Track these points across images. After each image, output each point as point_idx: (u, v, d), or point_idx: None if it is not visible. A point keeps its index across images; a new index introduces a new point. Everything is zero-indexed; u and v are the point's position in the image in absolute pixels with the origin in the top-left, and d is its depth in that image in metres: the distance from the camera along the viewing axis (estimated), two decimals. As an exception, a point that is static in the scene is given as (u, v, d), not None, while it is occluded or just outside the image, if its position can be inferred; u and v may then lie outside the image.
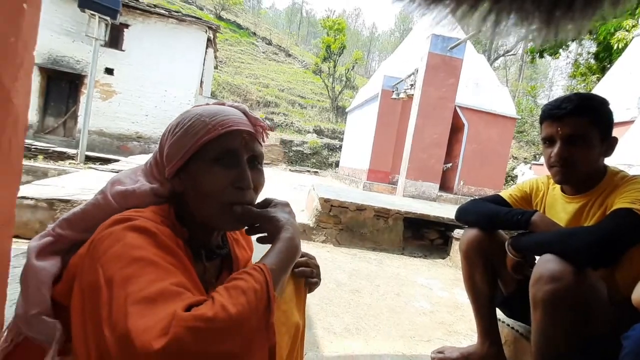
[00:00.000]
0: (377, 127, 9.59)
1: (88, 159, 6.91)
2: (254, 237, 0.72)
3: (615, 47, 8.59)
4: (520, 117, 13.60)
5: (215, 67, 16.48)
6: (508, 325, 1.40)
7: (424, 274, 2.71)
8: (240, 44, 29.22)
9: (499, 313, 1.37)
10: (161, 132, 0.69)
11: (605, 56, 11.05)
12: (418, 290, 2.30)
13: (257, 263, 0.56)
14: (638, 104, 6.78)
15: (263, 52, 30.57)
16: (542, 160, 1.16)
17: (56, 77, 9.49)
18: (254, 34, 32.73)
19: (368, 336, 1.57)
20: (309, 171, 15.57)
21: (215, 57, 14.09)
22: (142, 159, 6.14)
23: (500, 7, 0.43)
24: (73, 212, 0.63)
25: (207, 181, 0.60)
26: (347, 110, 15.17)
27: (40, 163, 5.50)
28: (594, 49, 12.22)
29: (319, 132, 19.46)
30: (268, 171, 11.46)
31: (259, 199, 0.70)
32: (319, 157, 17.06)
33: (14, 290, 0.59)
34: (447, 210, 3.79)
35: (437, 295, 2.26)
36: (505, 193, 1.31)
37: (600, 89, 7.78)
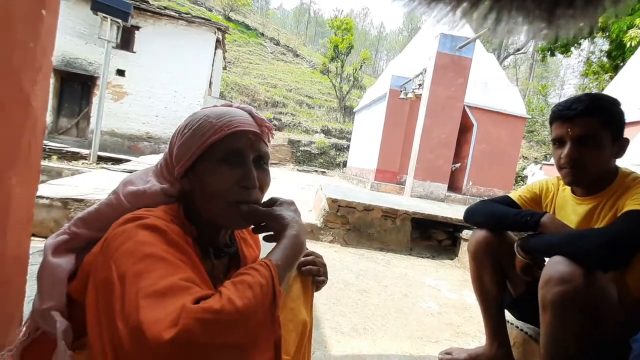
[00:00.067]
0: (384, 127, 9.55)
1: (100, 159, 7.04)
2: (260, 236, 0.74)
3: (628, 45, 8.39)
4: (530, 117, 13.41)
5: (224, 68, 16.60)
6: (517, 327, 1.39)
7: (431, 275, 2.70)
8: (249, 45, 29.39)
9: (508, 315, 1.36)
10: (171, 133, 0.71)
11: (618, 54, 10.82)
12: (426, 291, 2.29)
13: (263, 259, 0.58)
14: (651, 103, 6.63)
15: (271, 53, 30.69)
16: (553, 160, 1.15)
17: (69, 78, 9.69)
18: (262, 34, 32.89)
19: (375, 336, 1.57)
20: (316, 171, 15.58)
21: (224, 58, 14.21)
22: (153, 159, 6.22)
23: (501, 5, 0.43)
24: (88, 212, 0.65)
25: (213, 181, 0.62)
26: (354, 110, 15.14)
27: (54, 163, 5.62)
28: (606, 46, 11.97)
29: (326, 132, 19.46)
30: (276, 171, 11.48)
31: (265, 198, 0.71)
32: (327, 157, 17.06)
33: (33, 287, 0.61)
34: (455, 211, 3.76)
35: (445, 297, 2.25)
36: (515, 194, 1.30)
37: (612, 88, 7.63)
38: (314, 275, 0.76)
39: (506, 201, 1.27)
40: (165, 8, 10.59)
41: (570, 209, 1.15)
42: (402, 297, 2.11)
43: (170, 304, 0.45)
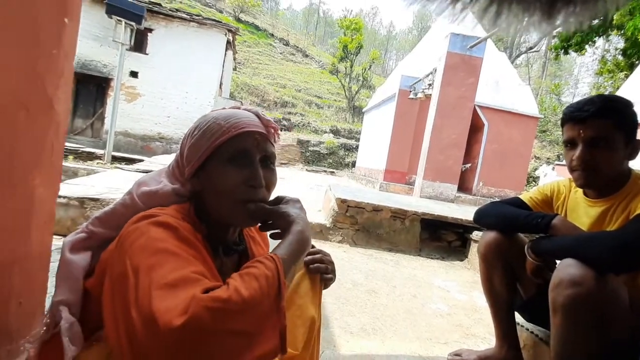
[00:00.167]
0: (394, 127, 9.50)
1: (114, 159, 7.19)
2: (268, 234, 0.76)
3: (645, 43, 8.18)
4: (543, 116, 13.15)
5: (234, 69, 16.75)
6: (527, 329, 1.37)
7: (441, 276, 2.68)
8: (258, 45, 29.57)
9: (518, 317, 1.35)
10: (182, 133, 0.74)
11: (634, 52, 10.54)
12: (435, 292, 2.28)
13: (269, 253, 0.60)
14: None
15: (280, 53, 30.83)
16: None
17: (85, 80, 9.91)
18: (272, 35, 33.05)
19: (384, 337, 1.57)
20: (325, 171, 15.60)
21: (234, 59, 14.35)
22: (164, 159, 6.32)
23: None
24: (104, 211, 0.68)
25: (221, 180, 0.64)
26: (363, 110, 15.10)
27: (70, 163, 5.76)
28: (621, 44, 11.68)
29: (335, 132, 19.45)
30: (285, 171, 11.51)
31: (272, 197, 0.73)
32: (336, 157, 17.06)
33: (54, 283, 0.64)
34: (465, 212, 3.73)
35: (455, 298, 2.24)
36: (526, 196, 1.29)
37: (628, 87, 7.44)
38: (322, 272, 0.77)
39: (517, 203, 1.26)
40: (177, 10, 10.74)
41: (582, 211, 1.14)
42: (411, 298, 2.11)
43: (181, 294, 0.47)
